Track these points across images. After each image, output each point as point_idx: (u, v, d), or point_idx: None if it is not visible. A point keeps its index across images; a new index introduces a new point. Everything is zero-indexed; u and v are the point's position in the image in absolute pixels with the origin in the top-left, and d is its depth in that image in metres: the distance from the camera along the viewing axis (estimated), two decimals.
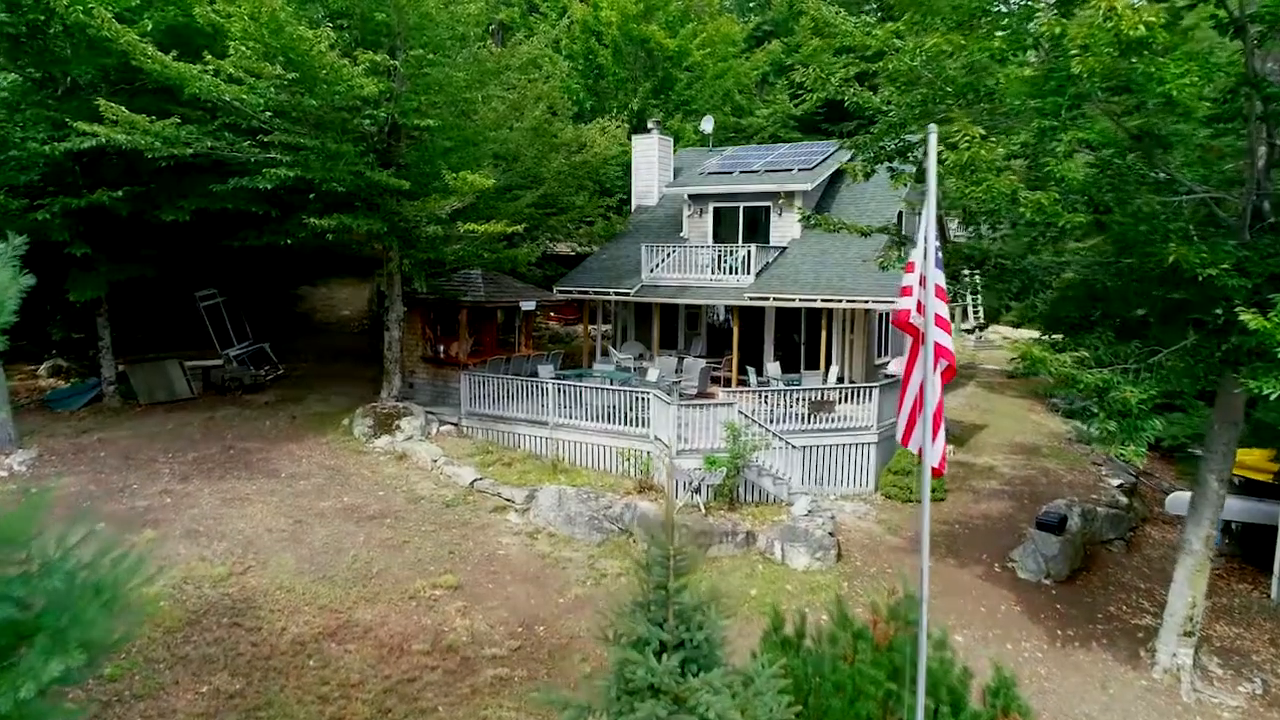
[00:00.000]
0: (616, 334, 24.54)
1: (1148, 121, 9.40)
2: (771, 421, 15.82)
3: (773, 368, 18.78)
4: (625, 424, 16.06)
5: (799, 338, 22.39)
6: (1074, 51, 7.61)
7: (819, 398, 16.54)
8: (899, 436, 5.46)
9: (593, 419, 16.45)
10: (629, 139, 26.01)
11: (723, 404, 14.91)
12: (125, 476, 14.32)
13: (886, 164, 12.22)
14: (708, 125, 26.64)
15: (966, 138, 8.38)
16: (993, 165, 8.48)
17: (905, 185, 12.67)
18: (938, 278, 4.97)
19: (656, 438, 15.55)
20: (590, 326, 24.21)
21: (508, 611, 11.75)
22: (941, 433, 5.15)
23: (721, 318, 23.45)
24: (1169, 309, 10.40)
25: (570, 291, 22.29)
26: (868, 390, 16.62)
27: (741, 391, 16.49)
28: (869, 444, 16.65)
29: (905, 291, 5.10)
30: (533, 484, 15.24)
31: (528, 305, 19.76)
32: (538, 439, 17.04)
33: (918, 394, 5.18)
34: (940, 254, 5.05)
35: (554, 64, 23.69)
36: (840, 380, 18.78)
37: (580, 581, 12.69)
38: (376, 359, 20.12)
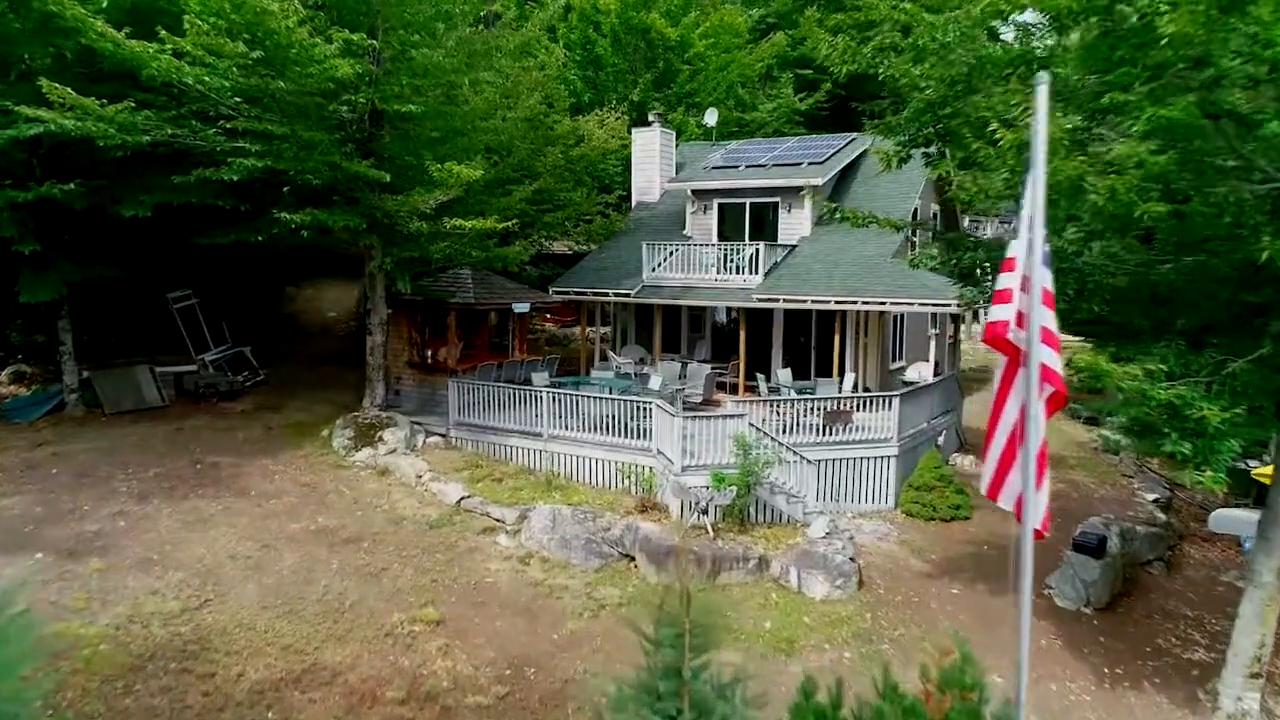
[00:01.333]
0: (616, 337, 23.31)
1: (1224, 97, 8.17)
2: (782, 432, 14.59)
3: (783, 374, 17.57)
4: (626, 436, 14.83)
5: (809, 341, 21.17)
6: (1164, 7, 6.38)
7: (835, 407, 15.32)
8: (984, 486, 4.22)
9: (590, 430, 15.22)
10: (629, 133, 24.78)
11: (732, 415, 13.69)
12: (76, 496, 13.08)
13: (923, 149, 10.98)
14: (711, 118, 25.43)
15: (1029, 112, 7.14)
16: (1060, 144, 7.25)
17: (945, 171, 11.40)
18: (1045, 279, 3.74)
19: (659, 451, 14.32)
20: (588, 329, 22.98)
21: (495, 650, 10.52)
22: (1045, 483, 3.91)
23: (725, 320, 22.24)
24: (1243, 313, 9.18)
25: (567, 292, 21.07)
26: (887, 399, 15.39)
27: (751, 401, 15.27)
28: (889, 457, 15.42)
29: (1001, 297, 3.86)
30: (525, 502, 14.01)
31: (521, 307, 18.54)
32: (531, 452, 15.80)
33: (1012, 432, 3.94)
34: (1049, 249, 3.81)
35: (550, 54, 22.44)
36: (856, 388, 17.53)
37: (576, 613, 11.45)
38: (362, 363, 18.89)
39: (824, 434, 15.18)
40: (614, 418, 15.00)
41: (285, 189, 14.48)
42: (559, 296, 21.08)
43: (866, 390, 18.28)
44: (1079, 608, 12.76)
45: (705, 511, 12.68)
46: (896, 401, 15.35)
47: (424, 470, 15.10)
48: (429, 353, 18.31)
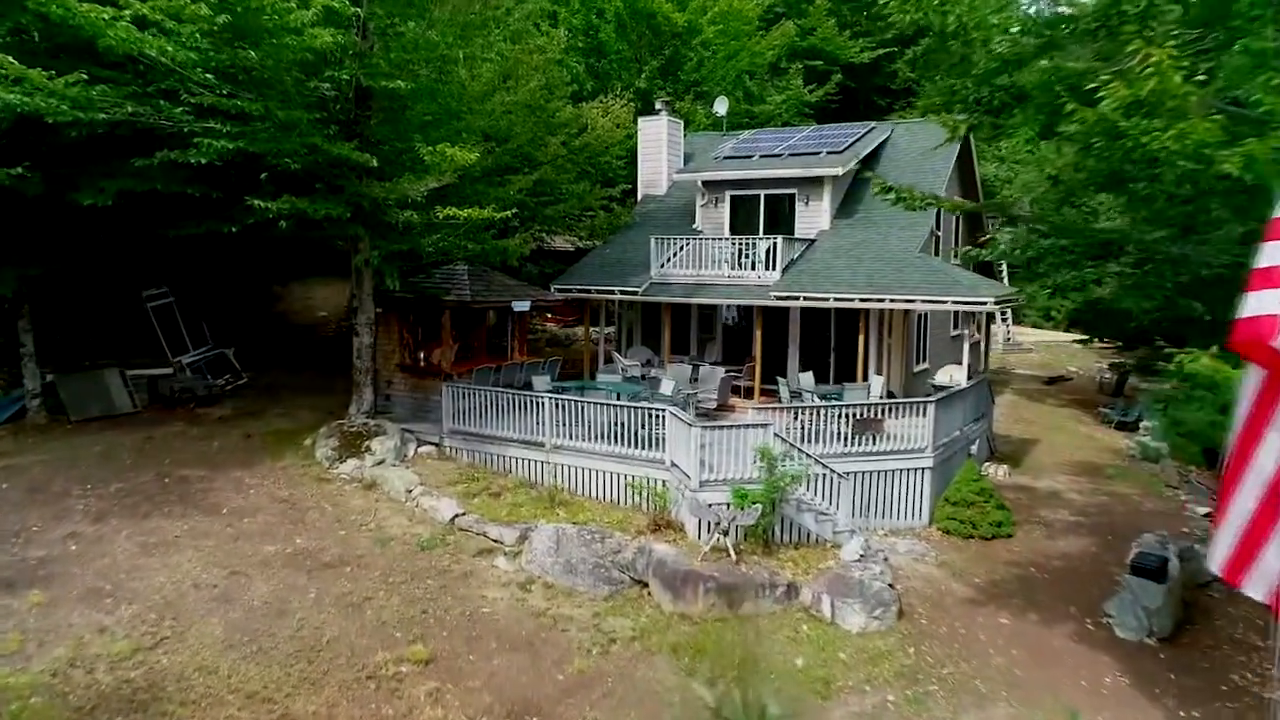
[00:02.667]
0: (621, 338, 22.00)
1: None
2: (803, 440, 13.26)
3: (804, 378, 16.24)
4: (636, 447, 13.51)
5: (829, 343, 19.86)
6: None
7: (864, 415, 14.00)
8: (1217, 563, 2.89)
9: (597, 440, 13.90)
10: (634, 122, 23.46)
11: (755, 425, 12.37)
12: (25, 515, 11.74)
13: (992, 117, 9.67)
14: (721, 107, 24.10)
15: (1151, 61, 5.84)
16: (1185, 99, 5.93)
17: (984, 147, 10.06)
18: None
19: (673, 464, 13.01)
20: (592, 329, 21.66)
21: (492, 695, 9.21)
22: None
23: (735, 319, 20.94)
24: None
25: (570, 290, 19.76)
26: (922, 405, 14.07)
27: (773, 408, 13.96)
28: (923, 469, 14.12)
29: (1260, 280, 2.53)
30: (525, 520, 12.69)
31: (521, 306, 17.22)
32: (532, 463, 14.48)
33: (1271, 489, 2.60)
34: None
35: (550, 38, 21.10)
36: (884, 393, 16.18)
37: (584, 649, 10.14)
38: (352, 366, 17.58)
39: (852, 444, 13.87)
40: (623, 426, 13.69)
41: (263, 175, 13.14)
42: (561, 294, 19.77)
43: (891, 395, 16.97)
44: (1142, 639, 11.45)
45: (726, 532, 11.35)
46: (932, 408, 14.04)
47: (414, 484, 13.78)
48: (422, 355, 16.98)
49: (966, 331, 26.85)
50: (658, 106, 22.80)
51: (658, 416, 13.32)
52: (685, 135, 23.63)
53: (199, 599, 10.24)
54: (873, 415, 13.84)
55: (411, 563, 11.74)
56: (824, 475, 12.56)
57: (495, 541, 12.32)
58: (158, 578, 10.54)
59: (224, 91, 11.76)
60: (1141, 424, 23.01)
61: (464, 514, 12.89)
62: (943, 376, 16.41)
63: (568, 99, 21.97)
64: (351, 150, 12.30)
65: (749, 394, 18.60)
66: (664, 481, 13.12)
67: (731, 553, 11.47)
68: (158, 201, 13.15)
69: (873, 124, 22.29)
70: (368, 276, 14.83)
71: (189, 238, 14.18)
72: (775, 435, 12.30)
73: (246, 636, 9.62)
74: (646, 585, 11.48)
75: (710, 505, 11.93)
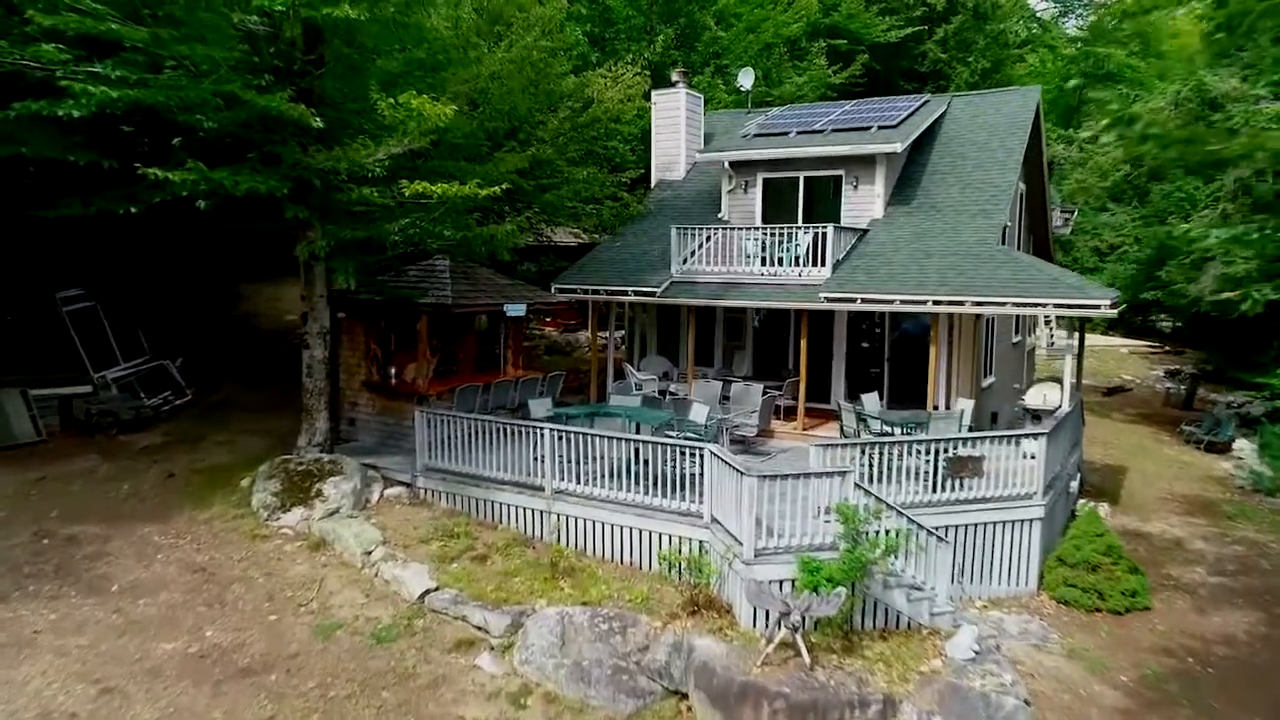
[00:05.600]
0: (633, 346, 18.85)
1: None
2: (870, 481, 10.08)
3: (868, 400, 13.05)
4: (663, 494, 10.35)
5: (883, 353, 16.71)
6: None
7: (955, 450, 10.83)
8: None
9: (611, 484, 10.74)
10: (646, 99, 20.30)
11: (829, 473, 9.20)
12: None
13: None
14: (747, 80, 20.94)
15: None
16: None
17: None
18: None
19: (715, 520, 9.85)
20: (600, 335, 18.49)
21: None
22: None
23: (761, 323, 17.83)
24: None
25: (574, 291, 16.59)
26: (1034, 438, 10.91)
27: (840, 443, 10.77)
28: (1032, 520, 10.97)
29: None
30: (520, 598, 9.52)
31: (515, 309, 14.05)
32: (528, 513, 11.31)
33: None
34: None
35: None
36: (973, 425, 12.97)
37: None
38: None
39: (939, 489, 10.71)
40: (647, 465, 10.53)
41: (176, 140, 9.98)
42: (564, 295, 16.60)
43: (974, 428, 13.78)
44: None
45: (796, 628, 8.17)
46: (1044, 442, 10.89)
47: (375, 543, 10.60)
48: (392, 370, 13.81)
49: (1030, 339, 23.78)
50: (674, 78, 19.64)
51: (694, 457, 10.16)
52: (704, 114, 20.49)
53: None
54: (970, 453, 10.67)
55: (363, 664, 8.56)
56: (910, 532, 9.38)
57: (479, 629, 9.15)
58: None
59: (107, 18, 8.56)
60: (1235, 445, 19.93)
61: (438, 588, 9.71)
62: (1035, 397, 13.28)
63: (568, 71, 18.78)
64: (283, 102, 9.13)
65: (787, 413, 15.48)
66: (702, 544, 9.95)
67: (803, 652, 8.30)
68: (28, 172, 9.95)
69: (926, 95, 19.15)
70: (320, 274, 11.67)
71: (118, 226, 11.06)
72: (858, 487, 9.13)
73: None
74: (685, 697, 8.34)
75: (769, 584, 8.78)
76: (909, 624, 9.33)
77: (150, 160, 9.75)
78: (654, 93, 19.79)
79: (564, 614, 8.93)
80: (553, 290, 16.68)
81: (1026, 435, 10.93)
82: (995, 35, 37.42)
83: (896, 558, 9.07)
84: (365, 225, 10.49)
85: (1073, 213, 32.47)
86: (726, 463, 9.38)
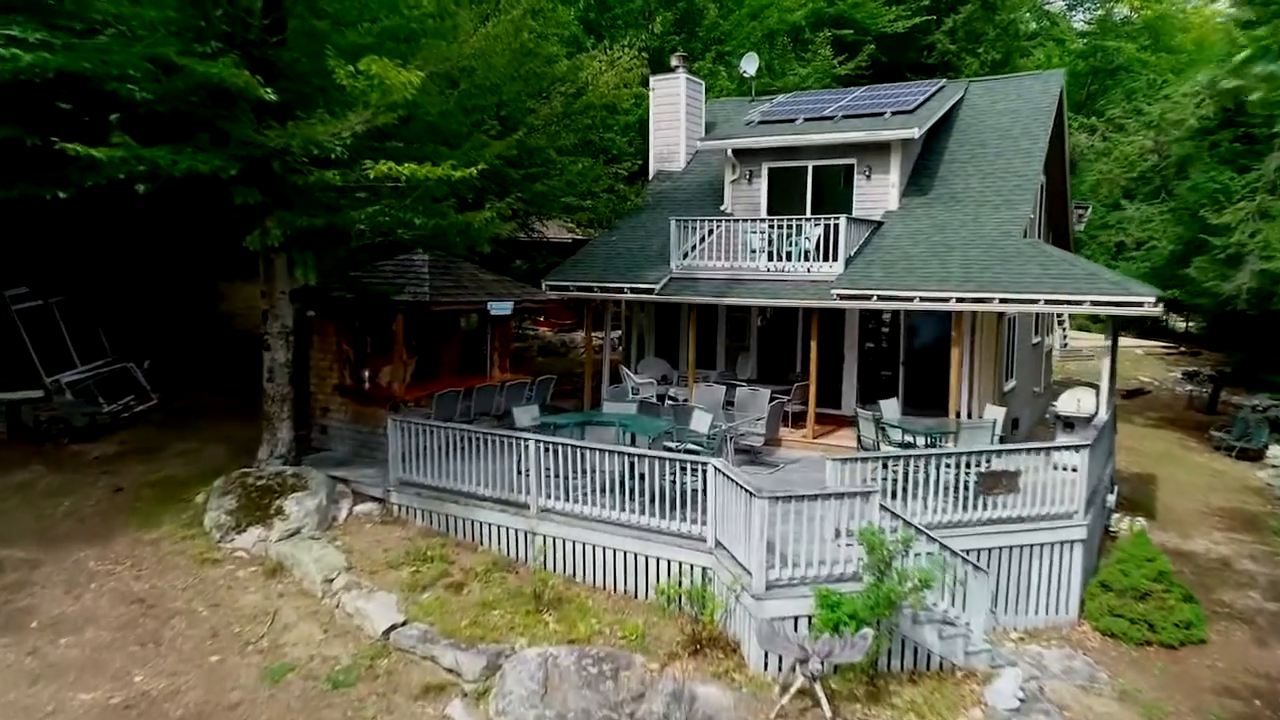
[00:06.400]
0: (630, 347, 17.72)
1: None
2: (890, 497, 8.96)
3: (888, 406, 11.89)
4: (661, 513, 9.21)
5: (898, 355, 15.59)
6: None
7: (988, 464, 9.70)
8: None
9: (604, 503, 9.60)
10: (643, 85, 19.17)
11: (850, 494, 8.05)
12: None
13: None
14: (750, 66, 19.81)
15: None
16: None
17: None
18: None
19: (720, 545, 8.72)
20: (595, 335, 17.36)
21: None
22: None
23: (766, 322, 16.72)
24: None
25: (567, 288, 15.46)
26: (1074, 450, 9.77)
27: (859, 458, 9.61)
28: (1073, 542, 9.84)
29: None
30: (497, 635, 8.36)
31: (501, 308, 12.91)
32: (511, 533, 10.16)
33: None
34: None
35: None
36: (1003, 436, 11.78)
37: None
38: (299, 381, 13.31)
39: (969, 508, 9.57)
40: (642, 480, 9.40)
41: (114, 116, 8.83)
42: (555, 293, 15.47)
43: (968, 419, 12.62)
44: None
45: (815, 676, 7.02)
46: (1085, 455, 9.75)
47: (338, 568, 9.45)
48: (366, 374, 12.67)
49: (1048, 339, 22.68)
50: (673, 63, 18.53)
51: (696, 474, 9.02)
52: (705, 102, 19.36)
53: None
54: (1006, 467, 9.53)
55: (315, 714, 7.42)
56: (941, 560, 8.23)
57: (450, 672, 8.00)
58: None
59: None
60: (1269, 451, 18.78)
61: (405, 623, 8.56)
62: (1067, 404, 12.13)
63: (561, 56, 17.64)
64: (226, 69, 7.98)
65: (795, 420, 14.35)
66: (706, 572, 8.80)
67: (823, 703, 7.15)
68: None
69: (941, 81, 18.02)
70: (281, 267, 10.53)
71: (78, 218, 9.96)
72: (883, 509, 7.99)
73: None
74: None
75: (783, 624, 7.64)
76: (941, 664, 8.19)
77: (90, 139, 8.61)
78: (652, 78, 18.68)
79: (547, 655, 7.78)
80: (543, 287, 15.56)
81: (1068, 447, 9.78)
82: (1005, 26, 36.29)
83: (930, 591, 7.92)
84: (327, 213, 9.36)
85: (1087, 209, 31.33)
86: (733, 481, 8.23)
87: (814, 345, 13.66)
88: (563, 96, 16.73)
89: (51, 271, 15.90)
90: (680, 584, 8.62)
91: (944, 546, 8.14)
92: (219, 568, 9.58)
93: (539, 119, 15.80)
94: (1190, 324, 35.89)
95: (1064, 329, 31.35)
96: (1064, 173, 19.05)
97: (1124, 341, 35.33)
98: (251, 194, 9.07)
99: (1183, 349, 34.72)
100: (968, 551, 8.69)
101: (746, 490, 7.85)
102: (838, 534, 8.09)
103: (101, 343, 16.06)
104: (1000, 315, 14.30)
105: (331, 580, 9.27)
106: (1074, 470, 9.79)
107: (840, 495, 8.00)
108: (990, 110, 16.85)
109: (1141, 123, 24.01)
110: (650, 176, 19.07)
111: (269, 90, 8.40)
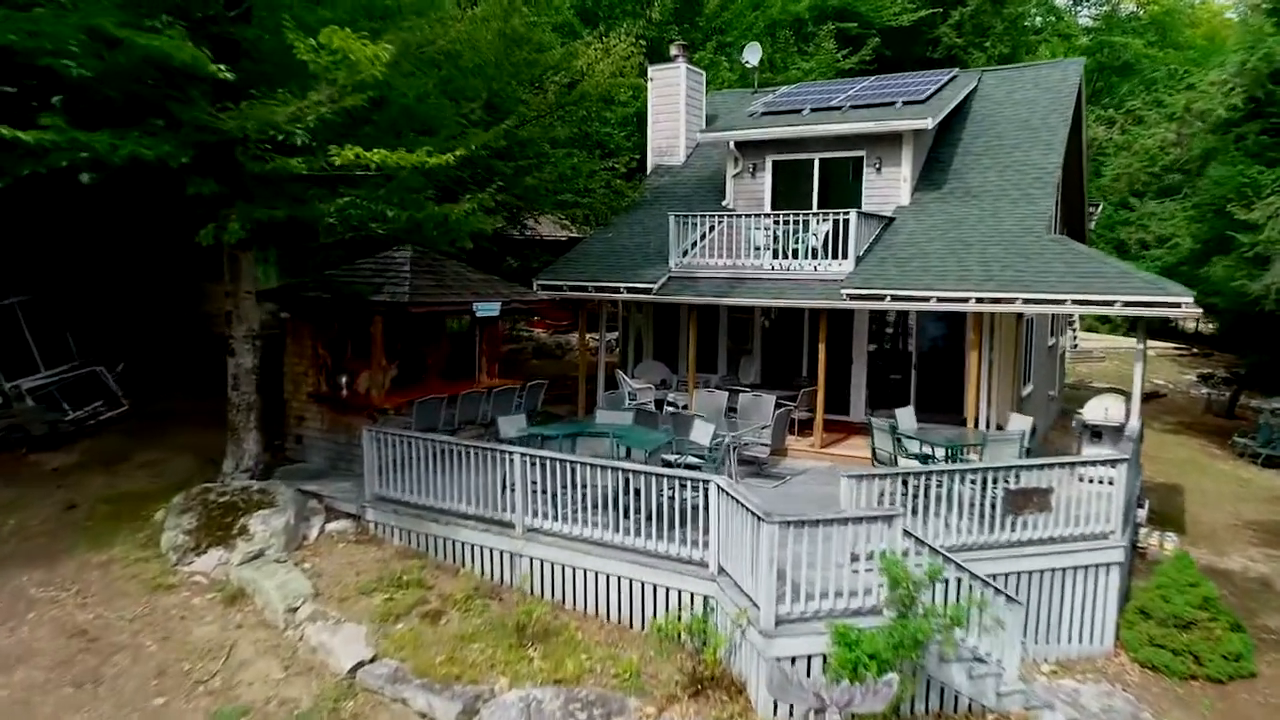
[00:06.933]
0: (627, 349, 16.90)
1: None
2: (914, 514, 8.12)
3: (904, 415, 11.04)
4: (659, 536, 8.37)
5: (910, 359, 14.77)
6: None
7: (1015, 480, 8.85)
8: None
9: (596, 523, 8.76)
10: (640, 76, 18.33)
11: (870, 518, 7.20)
12: None
13: None
14: (753, 55, 18.99)
15: None
16: None
17: None
18: None
19: (723, 571, 7.88)
20: (591, 337, 16.53)
21: None
22: None
23: (768, 323, 15.90)
24: None
25: (559, 287, 14.64)
26: (1110, 464, 8.93)
27: (876, 475, 8.76)
28: (1109, 565, 9.00)
29: None
30: (477, 674, 7.51)
31: (487, 309, 12.06)
32: (496, 555, 9.32)
33: None
34: None
35: None
36: (1029, 441, 10.91)
37: None
38: (270, 388, 12.49)
39: (995, 528, 8.72)
40: (638, 495, 8.55)
41: (56, 99, 7.99)
42: (546, 293, 14.63)
43: (998, 428, 11.78)
44: None
45: None
46: (1124, 470, 8.92)
47: (304, 595, 8.60)
48: (344, 380, 11.82)
49: (1061, 340, 21.87)
50: (673, 52, 17.72)
51: (698, 490, 8.18)
52: (706, 94, 18.53)
53: None
54: (1038, 483, 8.69)
55: None
56: (969, 589, 7.38)
57: (422, 716, 7.15)
58: None
59: None
60: None
61: (374, 659, 7.71)
62: (1094, 412, 11.28)
63: (554, 45, 16.80)
64: (171, 43, 7.14)
65: (802, 428, 13.52)
66: (708, 600, 7.96)
67: None
68: None
69: (953, 70, 17.19)
70: (245, 264, 9.68)
71: (44, 215, 9.05)
72: (908, 534, 7.14)
73: None
74: None
75: (795, 666, 6.80)
76: (970, 706, 7.34)
77: (29, 125, 7.75)
78: (651, 68, 17.86)
79: (530, 699, 6.93)
80: (535, 287, 14.73)
81: (1106, 462, 8.94)
82: (1013, 20, 35.47)
83: (962, 628, 7.07)
84: (291, 204, 8.52)
85: (1097, 207, 30.49)
86: (739, 502, 7.38)
87: (822, 348, 12.82)
88: (556, 86, 15.88)
89: (15, 270, 15.07)
90: (680, 617, 7.77)
91: (974, 575, 7.29)
92: (173, 594, 8.73)
93: (530, 109, 14.96)
94: (1201, 325, 35.05)
95: (1074, 330, 30.55)
96: (1081, 167, 18.22)
97: (1132, 343, 34.63)
98: (208, 184, 8.23)
99: (1194, 350, 33.89)
100: (993, 576, 7.87)
101: (754, 514, 7.00)
102: (855, 558, 7.25)
103: (69, 345, 15.21)
104: (1019, 316, 13.49)
105: (295, 609, 8.42)
106: (1110, 483, 8.95)
107: (860, 519, 7.15)
108: (1006, 100, 16.02)
109: (1163, 114, 23.15)
110: (649, 170, 18.25)
111: (223, 68, 7.55)
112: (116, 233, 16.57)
